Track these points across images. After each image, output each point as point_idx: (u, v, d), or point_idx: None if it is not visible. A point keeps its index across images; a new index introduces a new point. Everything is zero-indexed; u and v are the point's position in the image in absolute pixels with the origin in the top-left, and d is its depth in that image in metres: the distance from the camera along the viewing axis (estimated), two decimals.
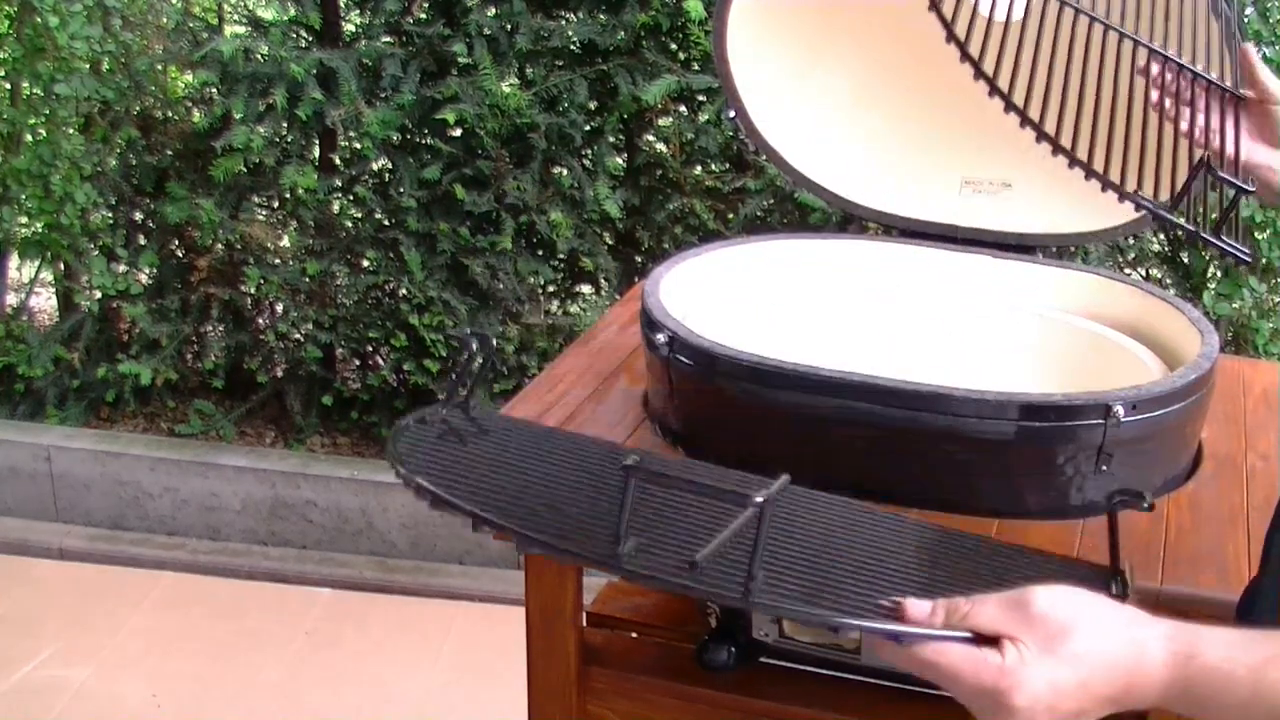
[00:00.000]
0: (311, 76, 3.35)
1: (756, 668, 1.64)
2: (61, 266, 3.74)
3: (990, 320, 1.80)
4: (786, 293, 1.85)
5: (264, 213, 3.71)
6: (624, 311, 1.98)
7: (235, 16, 3.75)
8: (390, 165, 3.52)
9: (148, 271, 3.72)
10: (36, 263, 3.76)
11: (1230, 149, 1.19)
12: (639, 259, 3.51)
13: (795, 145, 1.97)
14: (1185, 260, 3.20)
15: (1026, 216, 1.90)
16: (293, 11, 3.44)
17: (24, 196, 3.55)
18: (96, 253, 3.64)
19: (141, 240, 3.73)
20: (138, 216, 3.73)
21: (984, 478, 1.44)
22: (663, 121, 3.48)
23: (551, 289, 3.65)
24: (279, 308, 3.70)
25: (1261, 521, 1.31)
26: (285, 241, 3.69)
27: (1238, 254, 1.10)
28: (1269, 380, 1.81)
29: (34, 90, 3.53)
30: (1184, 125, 1.30)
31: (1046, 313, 1.80)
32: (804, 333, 1.78)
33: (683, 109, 3.45)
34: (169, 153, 3.63)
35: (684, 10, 3.21)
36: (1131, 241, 3.21)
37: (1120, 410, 1.40)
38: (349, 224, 3.59)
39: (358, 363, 3.81)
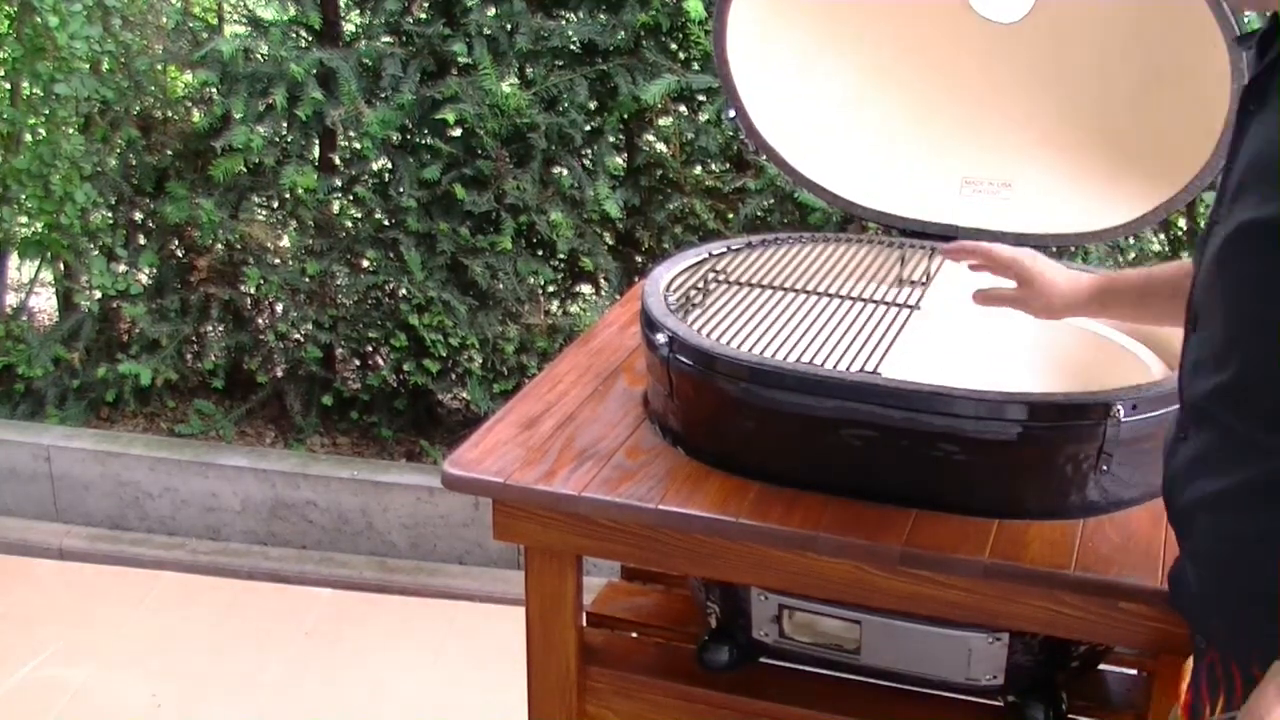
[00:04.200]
0: (311, 76, 3.35)
1: (756, 668, 1.64)
2: (61, 266, 3.74)
3: (990, 320, 1.79)
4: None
5: (264, 213, 3.71)
6: (624, 311, 1.98)
7: (235, 16, 3.74)
8: (390, 165, 3.52)
9: (148, 271, 3.72)
10: (36, 263, 3.76)
11: None
12: (639, 259, 3.51)
13: (795, 145, 1.97)
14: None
15: (1026, 216, 1.90)
16: (293, 11, 3.44)
17: (24, 196, 3.55)
18: (96, 253, 3.64)
19: (141, 240, 3.73)
20: (138, 216, 3.74)
21: (984, 478, 1.43)
22: (663, 121, 3.48)
23: (551, 289, 3.65)
24: (279, 308, 3.70)
25: None
26: (285, 241, 3.69)
27: None
28: None
29: (34, 90, 3.53)
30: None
31: None
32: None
33: (683, 109, 3.45)
34: (169, 153, 3.63)
35: (684, 10, 3.21)
36: (1131, 241, 3.21)
37: (1120, 410, 1.40)
38: (349, 224, 3.59)
39: (358, 363, 3.81)
